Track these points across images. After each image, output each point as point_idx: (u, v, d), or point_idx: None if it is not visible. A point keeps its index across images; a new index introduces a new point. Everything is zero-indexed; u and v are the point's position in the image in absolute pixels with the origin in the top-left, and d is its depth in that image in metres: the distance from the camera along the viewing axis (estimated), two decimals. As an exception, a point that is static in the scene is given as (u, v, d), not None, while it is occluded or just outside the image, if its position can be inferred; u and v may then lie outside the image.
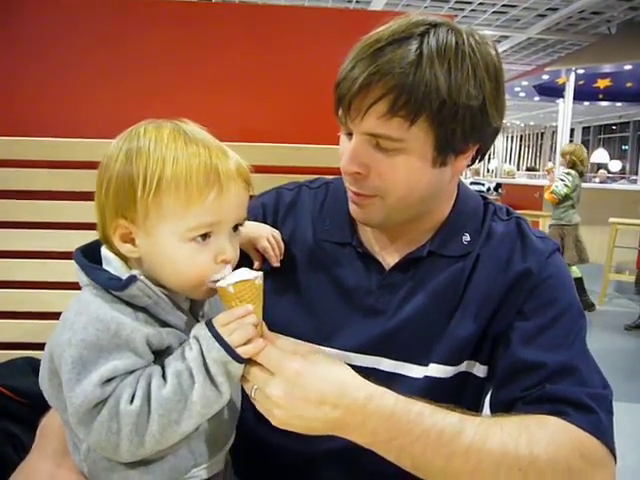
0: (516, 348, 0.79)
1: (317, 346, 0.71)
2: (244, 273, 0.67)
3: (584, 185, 9.12)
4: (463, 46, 0.72)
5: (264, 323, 0.69)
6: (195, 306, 0.74)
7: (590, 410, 0.72)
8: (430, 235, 0.85)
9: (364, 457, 0.70)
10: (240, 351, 0.64)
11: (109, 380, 0.62)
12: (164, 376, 0.64)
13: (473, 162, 0.81)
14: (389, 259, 0.86)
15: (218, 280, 0.66)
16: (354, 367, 0.79)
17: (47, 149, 1.25)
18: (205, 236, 0.66)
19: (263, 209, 0.94)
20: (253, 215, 0.91)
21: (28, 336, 1.25)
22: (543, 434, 0.69)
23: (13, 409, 1.00)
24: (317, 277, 0.87)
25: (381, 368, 0.82)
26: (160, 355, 0.67)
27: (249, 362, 0.66)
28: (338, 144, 0.81)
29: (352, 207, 0.82)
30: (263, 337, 0.68)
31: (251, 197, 0.99)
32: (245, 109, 1.36)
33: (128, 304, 0.65)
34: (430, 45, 0.70)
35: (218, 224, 0.66)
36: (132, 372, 0.63)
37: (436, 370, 0.81)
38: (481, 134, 0.76)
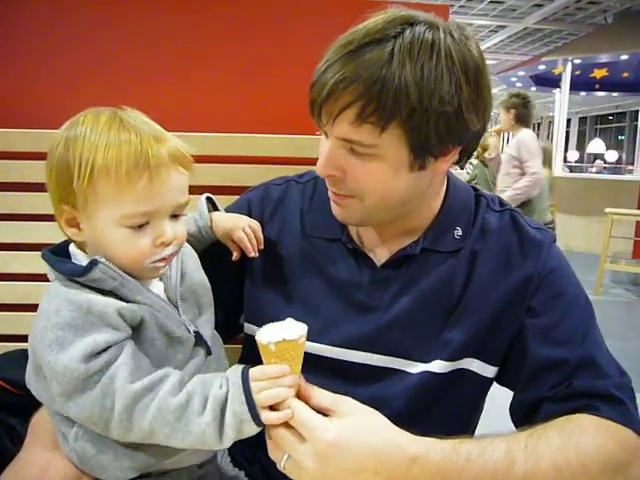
0: (534, 347, 0.78)
1: (354, 402, 0.66)
2: (289, 329, 0.65)
3: (581, 175, 9.14)
4: (439, 47, 0.68)
5: (302, 378, 0.66)
6: (169, 289, 0.75)
7: (619, 401, 0.74)
8: (421, 231, 0.84)
9: None
10: (264, 416, 0.63)
11: (93, 356, 0.63)
12: (180, 387, 0.64)
13: (459, 162, 0.79)
14: (380, 255, 0.85)
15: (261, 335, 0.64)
16: (347, 363, 0.79)
17: (43, 141, 1.24)
18: (142, 225, 0.67)
19: (249, 205, 0.94)
20: (239, 211, 0.91)
21: (25, 329, 1.24)
22: (586, 439, 0.69)
23: (10, 401, 1.00)
24: (308, 273, 0.87)
25: (374, 364, 0.81)
26: (136, 332, 0.68)
27: (280, 426, 0.63)
28: None
29: (333, 205, 0.82)
30: (300, 392, 0.65)
31: (240, 191, 1.00)
32: (233, 100, 1.34)
33: (97, 290, 0.66)
34: (402, 49, 0.67)
35: (154, 213, 0.67)
36: (120, 352, 0.64)
37: (433, 366, 0.80)
38: (460, 138, 0.74)
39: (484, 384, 0.84)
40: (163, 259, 0.69)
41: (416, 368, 0.80)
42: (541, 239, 0.83)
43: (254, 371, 0.65)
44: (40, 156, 1.23)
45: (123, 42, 1.33)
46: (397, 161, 0.72)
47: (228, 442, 0.64)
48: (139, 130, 0.67)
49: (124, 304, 0.66)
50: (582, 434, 0.70)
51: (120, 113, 0.69)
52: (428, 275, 0.82)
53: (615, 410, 0.73)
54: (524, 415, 0.79)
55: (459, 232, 0.84)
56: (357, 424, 0.64)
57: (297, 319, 0.75)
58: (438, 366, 0.80)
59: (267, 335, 0.64)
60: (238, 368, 0.66)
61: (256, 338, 0.65)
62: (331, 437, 0.62)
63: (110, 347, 0.64)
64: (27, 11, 1.31)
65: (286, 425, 0.63)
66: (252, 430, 0.63)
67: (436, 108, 0.68)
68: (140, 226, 0.67)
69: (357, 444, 0.62)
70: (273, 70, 1.35)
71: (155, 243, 0.68)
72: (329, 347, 0.82)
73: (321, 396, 0.66)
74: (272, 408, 0.63)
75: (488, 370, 0.82)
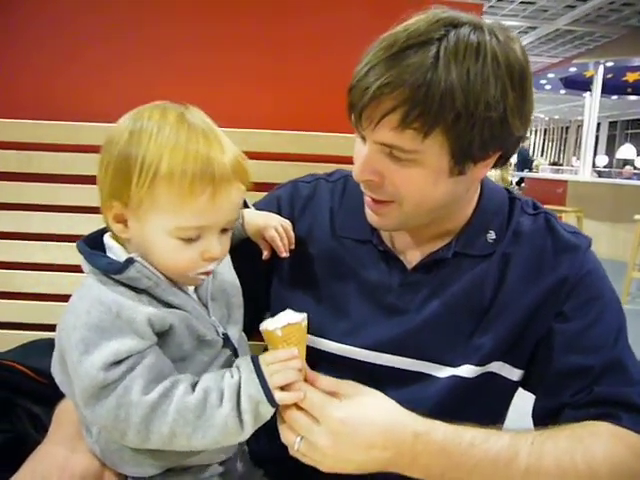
0: (560, 353, 0.77)
1: (359, 385, 0.70)
2: (290, 315, 0.69)
3: (609, 181, 8.98)
4: (485, 50, 0.66)
5: (305, 365, 0.69)
6: (200, 288, 0.75)
7: None
8: (453, 235, 0.83)
9: None
10: (277, 396, 0.65)
11: (113, 365, 0.62)
12: (193, 387, 0.65)
13: (496, 166, 0.78)
14: (411, 258, 0.84)
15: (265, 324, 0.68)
16: (375, 366, 0.78)
17: (72, 132, 1.26)
18: (192, 238, 0.66)
19: (278, 202, 0.93)
20: (268, 208, 0.90)
21: (51, 318, 1.26)
22: (598, 445, 0.68)
23: (35, 389, 1.01)
24: (337, 273, 0.86)
25: (403, 367, 0.80)
26: (163, 336, 0.67)
27: (292, 409, 0.66)
28: None
29: (368, 212, 0.80)
30: (306, 378, 0.68)
31: (268, 188, 1.00)
32: (262, 95, 1.33)
33: (130, 287, 0.66)
34: (448, 53, 0.65)
35: (207, 228, 0.66)
36: (139, 362, 0.63)
37: (462, 370, 0.79)
38: (502, 143, 0.72)
39: (511, 388, 0.83)
40: (206, 272, 0.69)
41: (445, 372, 0.80)
42: (577, 243, 0.82)
43: (265, 356, 0.67)
44: (66, 148, 1.26)
45: (148, 36, 1.33)
46: (437, 167, 0.71)
47: (248, 430, 0.65)
48: (207, 137, 0.65)
49: (154, 311, 0.65)
50: (594, 439, 0.69)
51: (186, 114, 0.66)
52: (459, 279, 0.81)
53: (636, 419, 0.71)
54: (546, 421, 0.78)
55: (492, 236, 0.82)
56: (364, 403, 0.67)
57: (325, 320, 0.74)
58: (467, 371, 0.79)
59: (272, 323, 0.68)
60: (247, 357, 0.68)
61: (261, 328, 0.68)
62: (342, 415, 0.65)
63: (131, 356, 0.63)
64: (47, 5, 1.32)
65: (298, 408, 0.66)
66: (268, 412, 0.65)
67: (481, 113, 0.66)
68: (191, 239, 0.66)
69: (366, 421, 0.66)
70: (312, 67, 1.34)
71: (203, 257, 0.67)
72: (357, 349, 0.81)
73: (326, 380, 0.69)
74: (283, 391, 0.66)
75: (514, 373, 0.81)
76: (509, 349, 0.80)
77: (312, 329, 0.78)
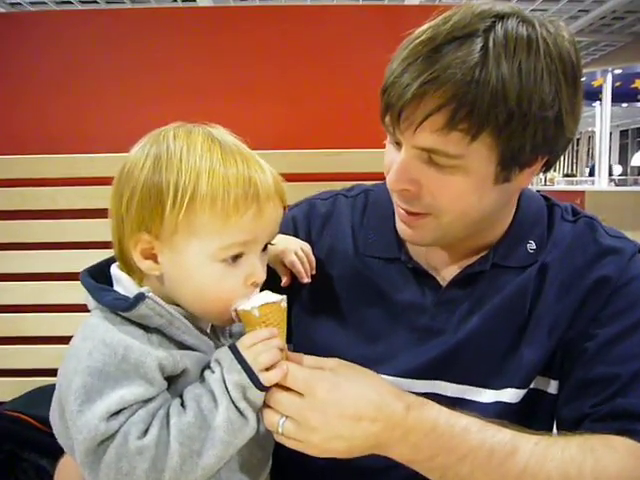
0: (589, 359, 0.71)
1: (346, 362, 0.66)
2: (268, 296, 0.64)
3: (628, 189, 8.86)
4: (537, 43, 0.61)
5: (286, 347, 0.65)
6: (217, 326, 0.69)
7: None
8: (491, 247, 0.77)
9: None
10: (263, 378, 0.60)
11: (116, 413, 0.56)
12: (183, 405, 0.59)
13: (538, 173, 0.73)
14: (445, 274, 0.78)
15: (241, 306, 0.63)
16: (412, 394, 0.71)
17: (66, 166, 1.22)
18: (236, 257, 0.61)
19: (294, 223, 0.87)
20: (283, 231, 0.83)
21: (58, 362, 1.21)
22: (611, 459, 0.62)
23: (41, 441, 0.96)
24: (363, 296, 0.80)
25: (443, 393, 0.74)
26: (174, 381, 0.61)
27: (274, 390, 0.61)
28: (380, 147, 0.74)
29: (400, 226, 0.74)
30: (289, 359, 0.64)
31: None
32: (276, 113, 1.30)
33: (140, 326, 0.60)
34: (497, 44, 0.60)
35: (251, 243, 0.62)
36: (142, 406, 0.57)
37: (505, 395, 0.73)
38: (553, 146, 0.67)
39: (553, 403, 0.76)
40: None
41: (487, 397, 0.74)
42: (622, 247, 0.76)
43: (244, 339, 0.62)
44: (63, 182, 1.22)
45: (159, 60, 1.32)
46: (483, 174, 0.65)
47: (251, 417, 0.59)
48: (244, 155, 0.61)
49: (165, 354, 0.59)
50: (608, 453, 0.63)
51: (214, 132, 0.63)
52: (499, 293, 0.75)
53: None
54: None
55: (532, 246, 0.77)
56: (350, 375, 0.64)
57: (353, 348, 0.71)
58: (511, 396, 0.73)
59: (248, 303, 0.62)
60: (224, 347, 0.62)
61: (238, 309, 0.62)
62: (328, 385, 0.61)
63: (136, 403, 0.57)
64: (43, 37, 1.30)
65: (281, 389, 0.61)
66: (257, 398, 0.60)
67: (536, 113, 0.61)
68: (234, 259, 0.61)
69: (354, 390, 0.62)
70: (314, 83, 1.31)
71: (246, 283, 0.63)
72: (390, 378, 0.74)
73: (311, 358, 0.66)
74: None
75: (552, 386, 0.75)
76: (551, 362, 0.74)
77: (339, 358, 0.71)
